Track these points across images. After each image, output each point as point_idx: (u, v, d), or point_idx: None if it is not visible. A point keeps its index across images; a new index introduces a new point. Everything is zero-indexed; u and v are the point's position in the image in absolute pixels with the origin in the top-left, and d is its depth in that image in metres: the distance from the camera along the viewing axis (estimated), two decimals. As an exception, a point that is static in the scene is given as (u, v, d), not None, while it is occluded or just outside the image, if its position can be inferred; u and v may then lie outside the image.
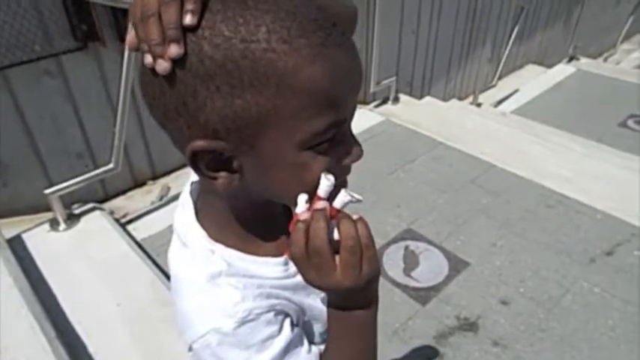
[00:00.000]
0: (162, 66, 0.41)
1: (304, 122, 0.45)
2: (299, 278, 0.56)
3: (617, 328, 1.79)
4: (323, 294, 0.61)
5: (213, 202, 0.56)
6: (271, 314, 0.53)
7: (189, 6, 0.41)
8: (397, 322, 1.82)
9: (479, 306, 1.89)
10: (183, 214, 0.59)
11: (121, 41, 2.17)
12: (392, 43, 3.58)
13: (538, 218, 2.33)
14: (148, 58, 0.42)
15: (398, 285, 1.98)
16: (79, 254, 2.01)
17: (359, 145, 0.52)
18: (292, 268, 0.57)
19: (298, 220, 0.48)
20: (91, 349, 1.64)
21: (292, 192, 0.49)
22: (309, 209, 0.48)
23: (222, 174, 0.48)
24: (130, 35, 0.44)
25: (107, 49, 2.22)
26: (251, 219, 0.56)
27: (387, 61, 3.47)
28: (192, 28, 0.41)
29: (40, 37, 2.07)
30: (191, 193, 0.61)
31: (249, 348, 0.51)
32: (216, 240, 0.55)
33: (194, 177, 0.61)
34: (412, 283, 1.99)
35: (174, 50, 0.41)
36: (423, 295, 1.93)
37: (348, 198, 0.50)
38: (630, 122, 3.74)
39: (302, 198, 0.49)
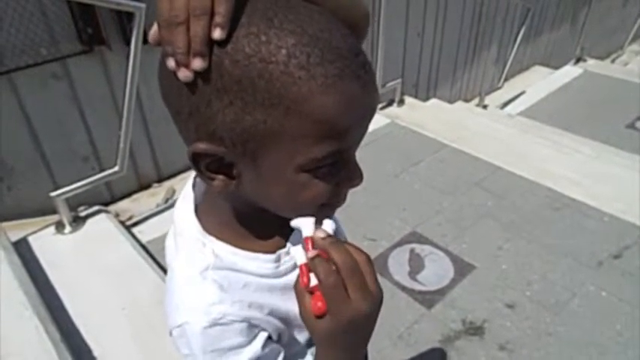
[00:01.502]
0: (185, 74, 0.42)
1: (305, 147, 0.45)
2: (289, 278, 0.56)
3: (624, 332, 1.77)
4: None
5: (214, 198, 0.57)
6: (244, 324, 0.53)
7: (218, 19, 0.40)
8: (402, 325, 1.81)
9: (485, 310, 1.87)
10: (182, 205, 0.60)
11: (127, 44, 2.18)
12: (397, 46, 3.58)
13: (544, 221, 2.31)
14: (171, 62, 0.42)
15: (403, 288, 1.97)
16: (85, 257, 2.02)
17: (360, 173, 0.52)
18: (282, 266, 0.57)
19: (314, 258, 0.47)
20: (95, 353, 1.64)
21: (285, 208, 0.51)
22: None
23: (220, 177, 0.49)
24: (154, 32, 0.44)
25: (113, 52, 2.23)
26: (248, 217, 0.57)
27: (393, 63, 3.47)
28: (218, 42, 0.41)
29: (46, 41, 2.08)
30: (194, 186, 0.61)
31: (213, 352, 0.52)
32: (210, 233, 0.56)
33: None
34: (417, 287, 1.98)
35: (198, 64, 0.41)
36: (428, 299, 1.92)
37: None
38: (638, 124, 3.71)
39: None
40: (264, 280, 0.56)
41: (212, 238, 0.55)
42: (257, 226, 0.57)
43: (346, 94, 0.44)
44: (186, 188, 0.62)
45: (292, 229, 0.60)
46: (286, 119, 0.43)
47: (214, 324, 0.51)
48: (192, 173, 0.60)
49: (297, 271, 0.50)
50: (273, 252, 0.57)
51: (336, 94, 0.43)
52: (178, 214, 0.60)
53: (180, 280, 0.55)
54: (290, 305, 0.56)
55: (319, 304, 0.47)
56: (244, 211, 0.56)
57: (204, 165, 0.48)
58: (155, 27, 0.44)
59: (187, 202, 0.59)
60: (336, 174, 0.49)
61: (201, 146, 0.46)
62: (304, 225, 0.49)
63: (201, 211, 0.58)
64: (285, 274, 0.57)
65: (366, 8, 0.58)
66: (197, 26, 0.40)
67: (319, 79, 0.42)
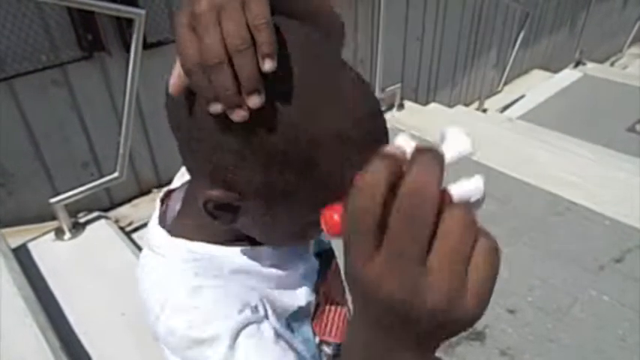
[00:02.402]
0: (241, 114, 0.38)
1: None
2: (267, 265, 0.56)
3: (627, 337, 1.76)
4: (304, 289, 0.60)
5: (190, 203, 0.56)
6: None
7: (265, 49, 0.36)
8: (403, 331, 1.80)
9: (486, 315, 1.84)
10: (151, 221, 0.60)
11: (127, 51, 2.18)
12: (397, 50, 3.58)
13: (546, 226, 2.31)
14: (217, 107, 0.38)
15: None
16: (84, 263, 2.01)
17: None
18: (263, 252, 0.55)
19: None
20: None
21: (282, 243, 0.53)
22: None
23: (227, 215, 0.48)
24: (176, 80, 0.40)
25: (112, 58, 2.23)
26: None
27: (392, 67, 3.47)
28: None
29: (46, 47, 2.08)
30: (162, 201, 0.62)
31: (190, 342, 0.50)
32: (179, 236, 0.55)
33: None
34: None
35: (256, 101, 0.37)
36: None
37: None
38: (638, 127, 3.71)
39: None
40: (239, 264, 0.55)
41: (181, 240, 0.54)
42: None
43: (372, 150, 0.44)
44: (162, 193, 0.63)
45: None
46: (322, 187, 0.43)
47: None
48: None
49: (280, 272, 0.54)
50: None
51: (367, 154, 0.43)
52: (148, 230, 0.59)
53: (157, 279, 0.54)
54: (268, 289, 0.56)
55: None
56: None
57: (212, 206, 0.47)
58: (176, 74, 0.39)
59: (154, 215, 0.59)
60: None
61: (216, 194, 0.45)
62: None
63: (177, 218, 0.58)
64: (262, 257, 0.55)
65: (339, 18, 0.58)
66: (244, 61, 0.36)
67: (358, 156, 0.41)
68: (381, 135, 0.45)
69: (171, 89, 0.41)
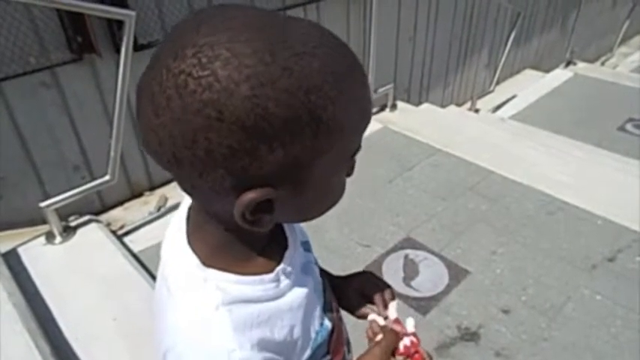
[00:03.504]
0: None
1: (348, 151, 0.50)
2: (291, 297, 0.55)
3: (620, 335, 1.77)
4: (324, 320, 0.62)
5: (202, 223, 0.54)
6: None
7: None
8: (397, 332, 1.80)
9: (480, 315, 1.87)
10: (174, 239, 0.57)
11: (117, 52, 2.17)
12: (389, 50, 3.58)
13: (538, 225, 2.31)
14: None
15: (398, 295, 1.95)
16: (75, 268, 1.99)
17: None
18: (282, 284, 0.55)
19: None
20: (87, 365, 1.62)
21: (319, 212, 0.54)
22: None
23: (264, 216, 0.48)
24: None
25: (103, 60, 2.21)
26: (239, 238, 0.54)
27: (385, 68, 3.47)
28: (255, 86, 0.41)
29: (36, 50, 2.06)
30: (189, 217, 0.58)
31: None
32: (207, 264, 0.53)
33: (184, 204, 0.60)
34: (412, 293, 1.97)
35: None
36: (423, 305, 1.91)
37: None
38: (629, 126, 3.73)
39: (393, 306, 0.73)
40: (272, 303, 0.54)
41: (212, 271, 0.52)
42: (250, 245, 0.55)
43: (364, 96, 0.48)
44: (178, 218, 0.59)
45: (284, 245, 0.59)
46: (331, 140, 0.45)
47: None
48: (185, 198, 0.58)
49: (295, 291, 0.56)
50: (271, 271, 0.55)
51: (360, 100, 0.47)
52: (169, 250, 0.56)
53: (186, 327, 0.50)
54: (299, 321, 0.56)
55: None
56: (235, 233, 0.53)
57: (249, 212, 0.46)
58: None
59: (180, 234, 0.56)
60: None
61: (251, 196, 0.45)
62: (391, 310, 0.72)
63: (193, 241, 0.55)
64: (285, 292, 0.56)
65: None
66: None
67: (349, 92, 0.45)
68: (360, 69, 0.49)
69: None
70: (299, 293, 0.57)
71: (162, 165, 0.47)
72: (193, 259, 0.53)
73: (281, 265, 0.56)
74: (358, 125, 0.49)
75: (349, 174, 0.55)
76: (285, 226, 0.62)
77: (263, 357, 0.50)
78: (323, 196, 0.52)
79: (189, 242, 0.55)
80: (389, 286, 0.77)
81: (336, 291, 0.74)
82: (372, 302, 0.75)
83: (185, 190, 0.49)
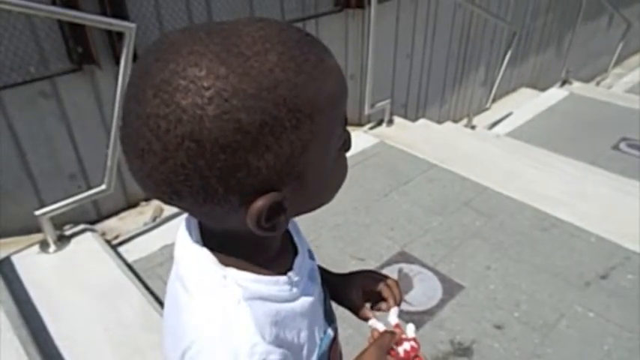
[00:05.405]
0: None
1: (335, 130, 0.50)
2: (301, 302, 0.57)
3: (612, 353, 1.77)
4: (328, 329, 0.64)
5: (211, 229, 0.55)
6: None
7: None
8: (390, 347, 1.79)
9: (473, 330, 1.86)
10: (186, 242, 0.56)
11: (116, 64, 2.19)
12: (387, 67, 3.62)
13: (532, 241, 2.32)
14: None
15: (391, 309, 1.95)
16: (69, 277, 1.98)
17: (349, 134, 0.55)
18: (295, 288, 0.56)
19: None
20: (77, 375, 1.60)
21: (329, 195, 0.55)
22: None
23: (278, 218, 0.48)
24: None
25: (102, 71, 2.24)
26: (251, 241, 0.54)
27: (382, 83, 3.51)
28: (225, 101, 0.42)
29: (36, 59, 2.09)
30: (189, 226, 0.58)
31: None
32: (227, 265, 0.53)
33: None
34: (406, 307, 1.97)
35: None
36: (416, 320, 1.91)
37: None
38: (623, 145, 3.76)
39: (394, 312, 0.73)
40: (286, 305, 0.55)
41: (231, 269, 0.52)
42: (264, 251, 0.56)
43: (330, 67, 0.47)
44: (189, 218, 0.59)
45: (294, 252, 0.61)
46: (314, 123, 0.45)
47: None
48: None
49: (304, 296, 0.57)
50: (282, 272, 0.56)
51: (327, 73, 0.47)
52: (184, 253, 0.56)
53: (207, 323, 0.50)
54: (305, 327, 0.57)
55: None
56: (246, 236, 0.52)
57: (265, 219, 0.47)
58: None
59: (194, 236, 0.56)
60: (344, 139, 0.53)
61: (259, 205, 0.45)
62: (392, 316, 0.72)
63: (207, 243, 0.55)
64: (297, 297, 0.57)
65: None
66: None
67: (314, 72, 0.45)
68: (320, 44, 0.48)
69: None
70: (307, 299, 0.58)
71: (168, 203, 0.48)
72: (211, 257, 0.53)
73: (292, 271, 0.57)
74: (335, 96, 0.48)
75: (347, 148, 0.54)
76: (294, 233, 0.64)
77: (282, 352, 0.51)
78: (328, 179, 0.53)
79: (205, 243, 0.55)
80: (391, 279, 0.77)
81: (337, 289, 0.75)
82: (372, 299, 0.76)
83: (197, 217, 0.51)
